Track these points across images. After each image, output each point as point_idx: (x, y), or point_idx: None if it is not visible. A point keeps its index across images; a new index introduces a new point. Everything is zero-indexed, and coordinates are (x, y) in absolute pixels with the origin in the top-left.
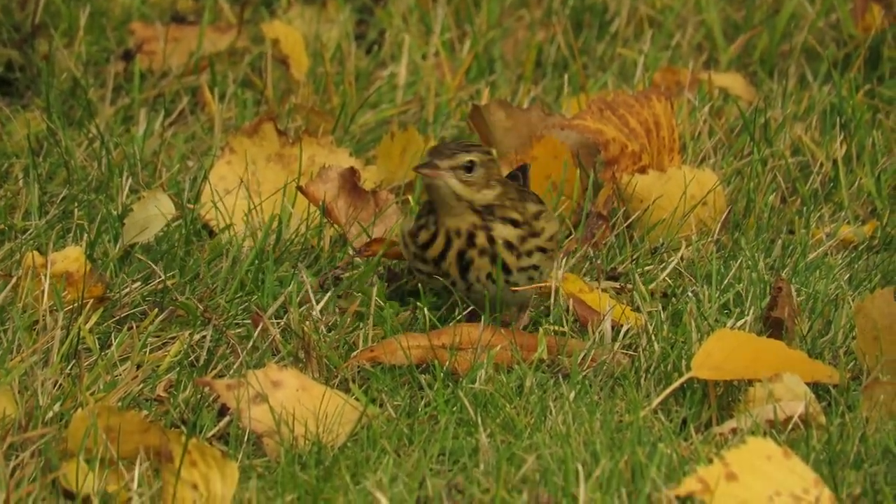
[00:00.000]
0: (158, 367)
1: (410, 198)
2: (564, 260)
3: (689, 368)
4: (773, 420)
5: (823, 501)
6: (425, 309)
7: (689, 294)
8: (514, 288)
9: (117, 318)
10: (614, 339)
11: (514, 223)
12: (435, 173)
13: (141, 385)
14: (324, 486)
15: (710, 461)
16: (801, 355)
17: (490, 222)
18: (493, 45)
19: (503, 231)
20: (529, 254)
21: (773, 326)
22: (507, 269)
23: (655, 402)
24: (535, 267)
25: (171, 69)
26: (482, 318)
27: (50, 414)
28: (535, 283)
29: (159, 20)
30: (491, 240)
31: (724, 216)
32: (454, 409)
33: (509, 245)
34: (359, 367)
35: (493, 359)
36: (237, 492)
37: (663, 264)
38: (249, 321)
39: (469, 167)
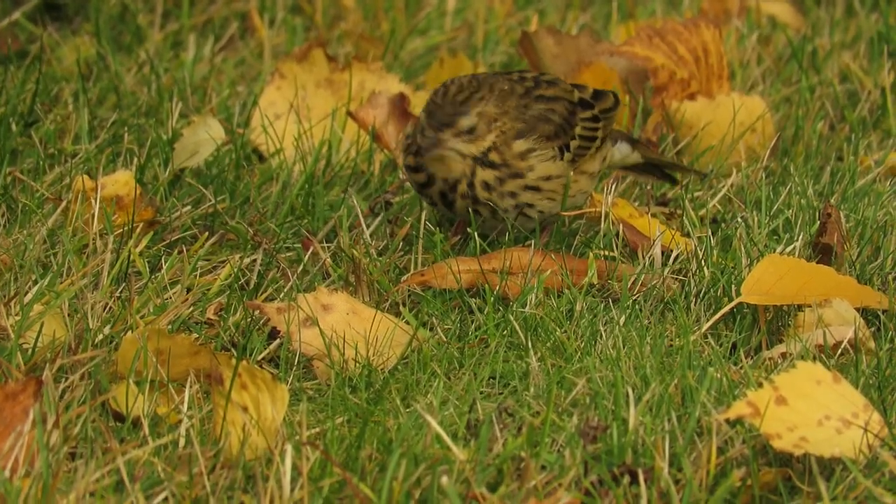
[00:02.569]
0: (208, 290)
1: None
2: (615, 185)
3: (738, 293)
4: (822, 345)
5: (873, 425)
6: (475, 233)
7: (739, 220)
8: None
9: (167, 241)
10: (664, 264)
11: (493, 165)
12: (445, 150)
13: (191, 308)
14: (374, 409)
15: (760, 385)
16: (850, 281)
17: (476, 169)
18: None
19: (482, 174)
20: (513, 194)
21: (822, 252)
22: (493, 209)
23: (705, 326)
24: (528, 205)
25: None
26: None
27: (100, 337)
28: (530, 218)
29: None
30: (471, 185)
31: (773, 143)
32: (504, 332)
33: (487, 186)
34: (409, 290)
35: (543, 283)
36: (287, 414)
37: (713, 190)
38: (300, 245)
39: (471, 129)
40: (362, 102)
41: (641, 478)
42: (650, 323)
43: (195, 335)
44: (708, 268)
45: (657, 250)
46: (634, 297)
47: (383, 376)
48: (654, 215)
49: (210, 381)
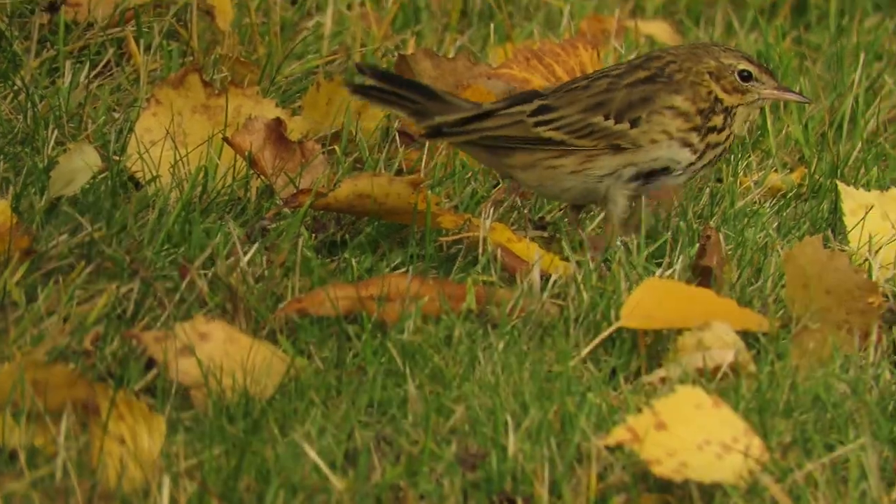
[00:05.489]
0: (86, 319)
1: (337, 148)
2: (492, 209)
3: (618, 318)
4: (702, 369)
5: (753, 450)
6: (353, 260)
7: (618, 243)
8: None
9: (44, 270)
10: (543, 289)
11: None
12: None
13: (68, 338)
14: (252, 439)
15: (640, 410)
16: (730, 303)
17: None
18: None
19: None
20: None
21: (702, 275)
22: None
23: (585, 351)
24: None
25: (97, 21)
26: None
27: None
28: None
29: None
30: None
31: None
32: (382, 359)
33: None
34: (286, 318)
35: (421, 309)
36: (165, 445)
37: (591, 213)
38: (177, 273)
39: None
40: (239, 128)
41: None
42: (529, 348)
43: (72, 365)
44: (587, 292)
45: (536, 275)
46: (513, 323)
47: (261, 405)
48: (532, 239)
49: (87, 411)
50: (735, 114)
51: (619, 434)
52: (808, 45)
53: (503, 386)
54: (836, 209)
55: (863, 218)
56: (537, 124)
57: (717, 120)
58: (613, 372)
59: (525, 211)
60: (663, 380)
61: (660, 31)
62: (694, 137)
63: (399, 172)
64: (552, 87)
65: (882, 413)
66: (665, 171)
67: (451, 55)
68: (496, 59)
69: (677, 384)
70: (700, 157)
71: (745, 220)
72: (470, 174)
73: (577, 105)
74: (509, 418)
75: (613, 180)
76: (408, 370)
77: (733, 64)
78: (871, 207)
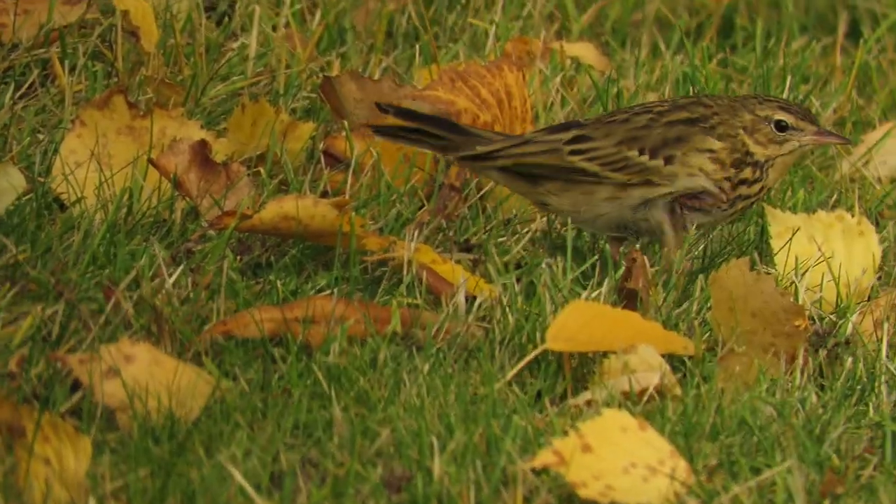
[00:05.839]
0: (10, 342)
1: (262, 170)
2: (417, 232)
3: (543, 340)
4: (628, 391)
5: (679, 473)
6: (278, 282)
7: (544, 265)
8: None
9: None
10: (468, 312)
11: None
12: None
13: None
14: (177, 461)
15: (566, 433)
16: (656, 326)
17: None
18: (343, 16)
19: None
20: None
21: (627, 298)
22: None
23: (510, 374)
24: None
25: (22, 42)
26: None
27: None
28: None
29: None
30: None
31: None
32: (308, 382)
33: None
34: (212, 340)
35: (346, 332)
36: (90, 466)
37: (517, 235)
38: (102, 295)
39: None
40: (164, 150)
41: None
42: (454, 371)
43: None
44: (512, 314)
45: (461, 297)
46: (438, 345)
47: (186, 427)
48: (457, 262)
49: (12, 433)
50: (771, 166)
51: (544, 457)
52: (734, 68)
53: (428, 408)
54: (762, 232)
55: (789, 241)
56: (572, 153)
57: (748, 172)
58: (539, 394)
59: (450, 233)
60: (589, 402)
61: (585, 52)
62: (726, 185)
63: (324, 194)
64: (593, 118)
65: (808, 436)
66: (703, 194)
67: (376, 77)
68: (421, 81)
69: (603, 407)
70: (731, 206)
71: None
72: (395, 196)
73: (613, 137)
74: (435, 441)
75: (649, 209)
76: (333, 392)
77: (769, 115)
78: (798, 230)
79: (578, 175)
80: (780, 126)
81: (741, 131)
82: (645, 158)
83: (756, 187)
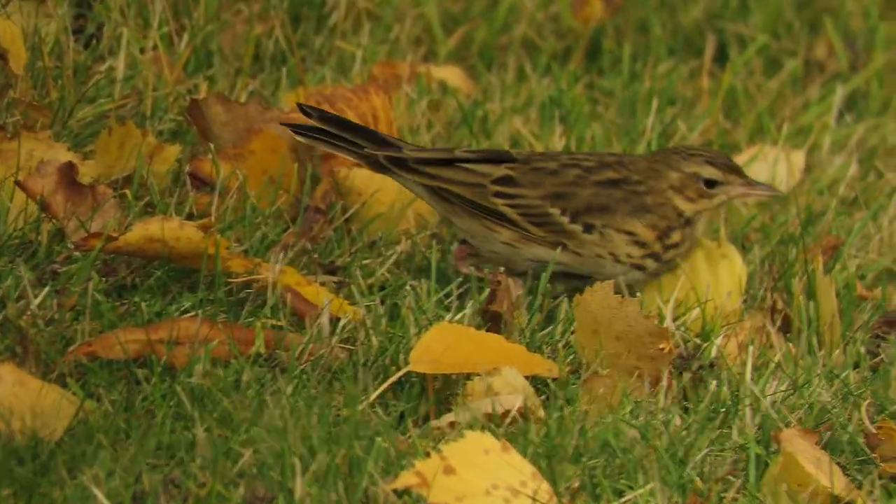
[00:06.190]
0: None
1: (128, 192)
2: (282, 254)
3: (407, 362)
4: (491, 414)
5: (541, 495)
6: (143, 303)
7: (408, 287)
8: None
9: None
10: (332, 333)
11: None
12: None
13: None
14: (40, 481)
15: (428, 455)
16: (519, 349)
17: None
18: (211, 39)
19: None
20: None
21: (491, 320)
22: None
23: (373, 395)
24: None
25: None
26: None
27: None
28: None
29: None
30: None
31: None
32: (171, 403)
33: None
34: (76, 361)
35: (210, 353)
36: None
37: (381, 258)
38: None
39: None
40: (30, 172)
41: None
42: (318, 392)
43: None
44: (376, 336)
45: (325, 319)
46: (302, 367)
47: (50, 448)
48: (322, 284)
49: None
50: (698, 220)
51: (407, 478)
52: (601, 91)
53: (291, 430)
54: None
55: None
56: (497, 195)
57: (677, 236)
58: (402, 416)
59: (315, 255)
60: (452, 424)
61: (452, 76)
62: (650, 263)
63: (190, 217)
64: (525, 155)
65: (671, 459)
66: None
67: (243, 99)
68: (288, 104)
69: (466, 429)
70: (658, 272)
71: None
72: (260, 218)
73: (539, 189)
74: (297, 462)
75: (539, 268)
76: (196, 414)
77: (697, 172)
78: None
79: (497, 217)
80: (710, 183)
81: (669, 192)
82: (565, 220)
83: (684, 247)
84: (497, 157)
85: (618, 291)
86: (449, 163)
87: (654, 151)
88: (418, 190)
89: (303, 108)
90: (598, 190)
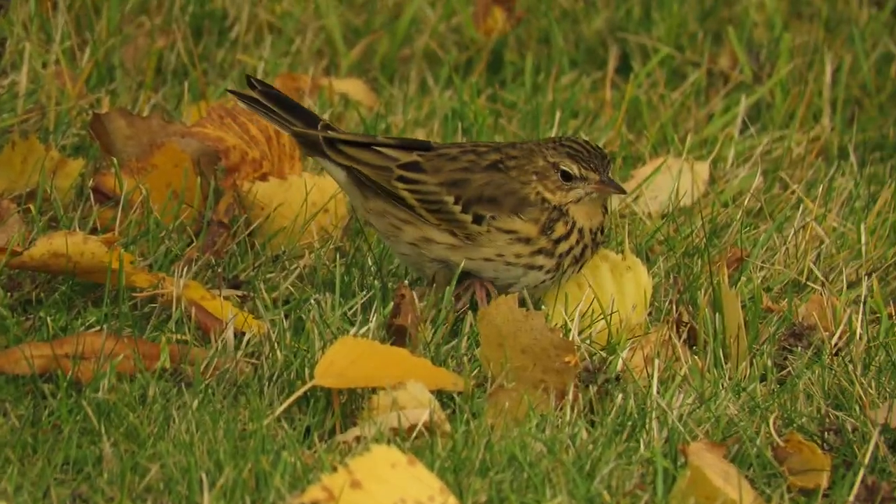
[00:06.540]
0: None
1: (32, 207)
2: (186, 268)
3: (312, 376)
4: (397, 428)
5: None
6: (48, 318)
7: (312, 301)
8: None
9: None
10: (237, 348)
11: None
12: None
13: None
14: None
15: (335, 469)
16: (424, 363)
17: (604, 216)
18: (113, 53)
19: (605, 222)
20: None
21: (396, 334)
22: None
23: (279, 410)
24: None
25: None
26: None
27: None
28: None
29: None
30: (602, 231)
31: (345, 223)
32: (78, 418)
33: (596, 242)
34: None
35: (115, 368)
36: None
37: (285, 272)
38: None
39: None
40: None
41: None
42: (223, 407)
43: None
44: (281, 351)
45: (230, 333)
46: (207, 381)
47: None
48: (226, 298)
49: None
50: (568, 211)
51: (313, 493)
52: (503, 103)
53: (198, 444)
54: None
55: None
56: (399, 178)
57: (561, 228)
58: (308, 430)
59: (219, 269)
60: (358, 438)
61: (354, 88)
62: (540, 259)
63: (94, 231)
64: (442, 145)
65: (579, 472)
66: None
67: (145, 113)
68: (191, 118)
69: (372, 443)
70: (559, 268)
71: None
72: (164, 233)
73: (440, 175)
74: (204, 476)
75: (443, 270)
76: (103, 428)
77: (557, 163)
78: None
79: (398, 202)
80: (566, 176)
81: (533, 177)
82: (458, 209)
83: (573, 238)
84: (413, 145)
85: (522, 304)
86: (368, 146)
87: (548, 137)
88: (340, 176)
89: (249, 80)
90: (487, 177)
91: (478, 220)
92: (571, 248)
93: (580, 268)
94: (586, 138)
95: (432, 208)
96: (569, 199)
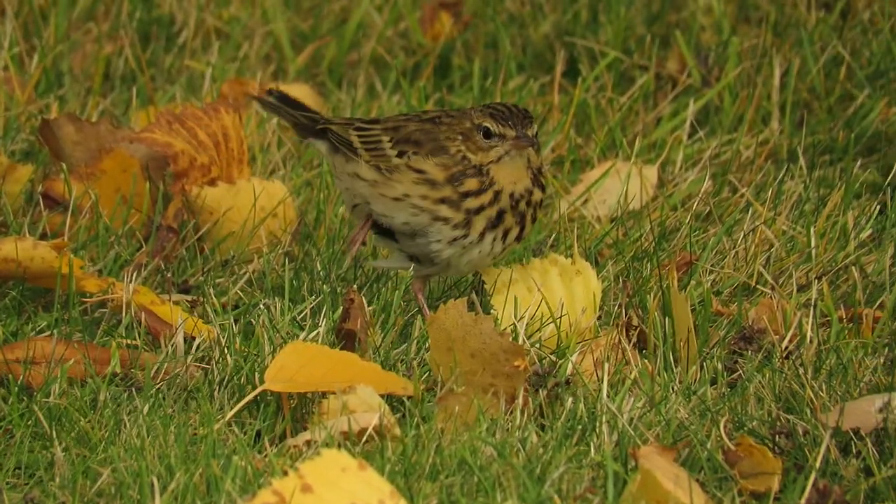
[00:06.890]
0: None
1: None
2: (135, 273)
3: (262, 381)
4: (347, 432)
5: None
6: None
7: (262, 306)
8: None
9: None
10: (187, 352)
11: (542, 188)
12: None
13: None
14: None
15: (285, 473)
16: (374, 367)
17: (535, 186)
18: (61, 59)
19: (538, 194)
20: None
21: (346, 338)
22: (521, 232)
23: (229, 414)
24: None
25: None
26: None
27: None
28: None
29: None
30: (529, 203)
31: (294, 228)
32: (29, 423)
33: (530, 205)
34: None
35: (66, 373)
36: None
37: (235, 277)
38: None
39: (536, 137)
40: None
41: None
42: (174, 411)
43: None
44: (231, 355)
45: (180, 338)
46: (158, 386)
47: None
48: (176, 303)
49: None
50: (489, 171)
51: (264, 497)
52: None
53: (149, 449)
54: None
55: (507, 289)
56: (356, 129)
57: (471, 183)
58: (259, 435)
59: (168, 274)
60: (308, 443)
61: (301, 93)
62: (444, 209)
63: (43, 236)
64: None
65: (529, 476)
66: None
67: (94, 119)
68: (139, 123)
69: (322, 447)
70: (468, 226)
71: (388, 283)
72: (113, 238)
73: (387, 124)
74: (155, 481)
75: (363, 206)
76: (54, 433)
77: (480, 122)
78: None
79: (350, 151)
80: (487, 133)
81: (459, 137)
82: (389, 145)
83: (487, 197)
84: (387, 120)
85: (472, 309)
86: (350, 124)
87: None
88: (324, 147)
89: (269, 91)
90: (421, 126)
91: (400, 155)
92: (483, 207)
93: (506, 237)
94: (517, 104)
95: (369, 147)
96: (489, 158)
